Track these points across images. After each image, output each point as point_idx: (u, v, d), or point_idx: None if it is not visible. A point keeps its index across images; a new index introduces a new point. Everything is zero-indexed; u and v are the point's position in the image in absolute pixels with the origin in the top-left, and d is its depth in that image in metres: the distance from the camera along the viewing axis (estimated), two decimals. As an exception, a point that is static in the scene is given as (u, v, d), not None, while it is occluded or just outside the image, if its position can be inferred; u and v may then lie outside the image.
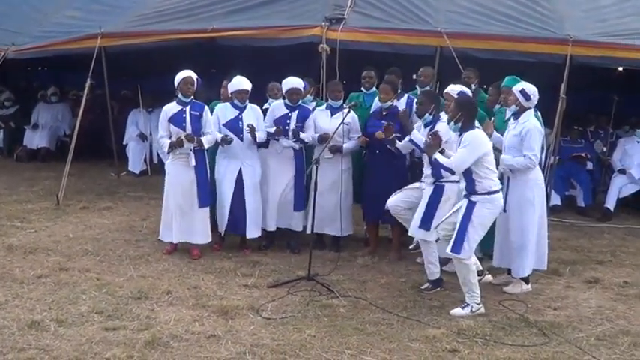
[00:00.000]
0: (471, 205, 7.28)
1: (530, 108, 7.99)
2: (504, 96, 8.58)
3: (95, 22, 13.36)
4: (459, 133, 7.45)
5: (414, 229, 8.11)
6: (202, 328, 6.74)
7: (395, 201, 8.43)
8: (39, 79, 19.99)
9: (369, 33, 11.95)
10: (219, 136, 9.16)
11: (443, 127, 8.01)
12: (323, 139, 9.24)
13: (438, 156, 7.49)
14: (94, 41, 12.89)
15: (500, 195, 7.41)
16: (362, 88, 10.03)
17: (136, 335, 6.49)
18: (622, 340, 6.75)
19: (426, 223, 7.96)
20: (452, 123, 7.41)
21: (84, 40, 13.27)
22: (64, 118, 17.89)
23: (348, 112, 9.09)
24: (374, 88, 9.91)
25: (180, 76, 9.08)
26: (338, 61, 11.37)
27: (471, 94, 8.70)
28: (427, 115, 8.28)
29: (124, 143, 16.12)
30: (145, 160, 15.81)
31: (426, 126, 8.30)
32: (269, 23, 12.44)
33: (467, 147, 7.18)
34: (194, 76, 9.11)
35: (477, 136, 7.27)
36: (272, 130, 9.44)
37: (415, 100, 8.69)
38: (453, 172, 7.46)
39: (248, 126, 9.17)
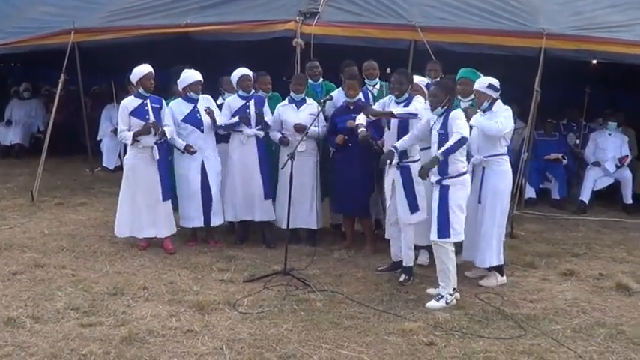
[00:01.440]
0: (444, 190, 7.40)
1: (498, 98, 8.08)
2: (462, 87, 8.61)
3: (69, 18, 13.24)
4: (438, 115, 7.56)
5: (404, 218, 8.15)
6: (179, 323, 6.73)
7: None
8: (12, 75, 19.83)
9: (344, 27, 11.89)
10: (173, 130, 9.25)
11: (420, 105, 8.10)
12: (297, 129, 9.29)
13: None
14: (68, 37, 12.81)
15: (468, 176, 7.59)
16: (309, 80, 10.11)
17: (112, 331, 6.48)
18: (598, 332, 6.79)
19: (414, 207, 8.08)
20: (439, 108, 7.47)
21: (57, 35, 13.16)
22: (38, 114, 17.87)
23: (324, 106, 9.10)
24: (321, 79, 10.21)
25: (143, 71, 9.08)
26: (312, 55, 11.34)
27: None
28: (405, 94, 8.28)
29: (98, 139, 16.06)
30: (120, 156, 15.57)
31: (401, 104, 8.27)
32: (243, 18, 12.38)
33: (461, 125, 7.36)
34: (152, 70, 9.13)
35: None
36: (234, 120, 9.45)
37: (392, 79, 8.56)
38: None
39: (206, 108, 9.26)
